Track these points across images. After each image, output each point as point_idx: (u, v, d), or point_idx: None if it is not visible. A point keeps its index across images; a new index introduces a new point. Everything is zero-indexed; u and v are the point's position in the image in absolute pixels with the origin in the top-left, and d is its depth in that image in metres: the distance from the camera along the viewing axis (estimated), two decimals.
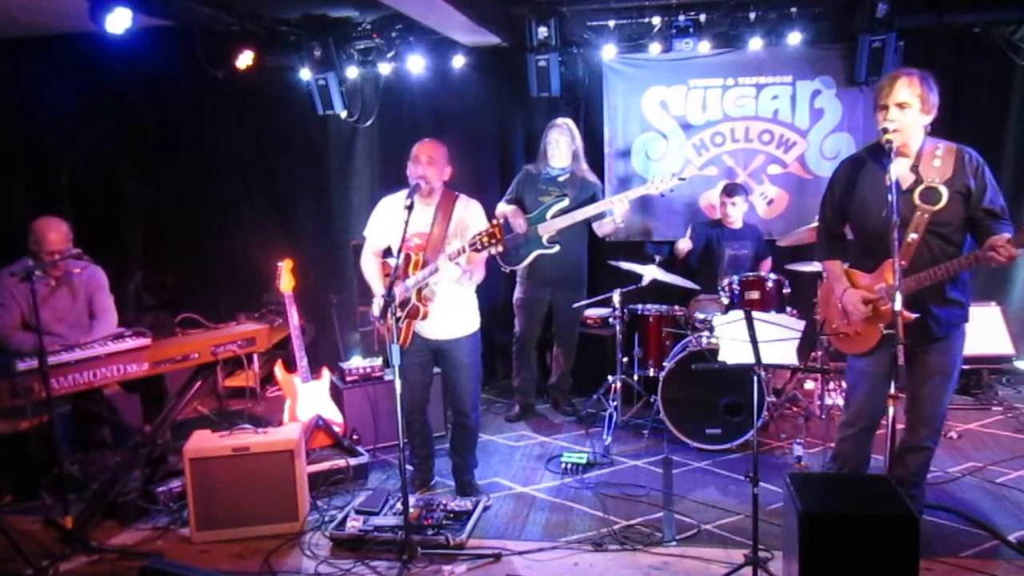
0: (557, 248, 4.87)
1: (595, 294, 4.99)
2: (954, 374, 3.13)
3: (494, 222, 3.44)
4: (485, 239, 3.37)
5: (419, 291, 3.67)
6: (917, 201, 2.94)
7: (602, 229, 4.98)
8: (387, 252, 3.96)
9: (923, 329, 2.99)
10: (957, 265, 2.90)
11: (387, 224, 3.84)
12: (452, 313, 3.81)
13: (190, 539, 3.60)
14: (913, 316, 2.87)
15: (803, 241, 4.81)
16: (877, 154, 3.04)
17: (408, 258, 3.64)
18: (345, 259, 5.79)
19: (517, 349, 5.20)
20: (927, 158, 2.99)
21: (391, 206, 3.86)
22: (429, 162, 3.69)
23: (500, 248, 3.43)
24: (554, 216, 4.87)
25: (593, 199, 4.89)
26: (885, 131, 2.90)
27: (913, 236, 2.96)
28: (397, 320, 3.44)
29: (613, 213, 4.77)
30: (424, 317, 3.71)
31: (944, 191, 2.93)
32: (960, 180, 2.95)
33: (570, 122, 5.01)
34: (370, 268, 3.96)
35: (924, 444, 3.16)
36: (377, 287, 3.90)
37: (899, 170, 2.97)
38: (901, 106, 2.92)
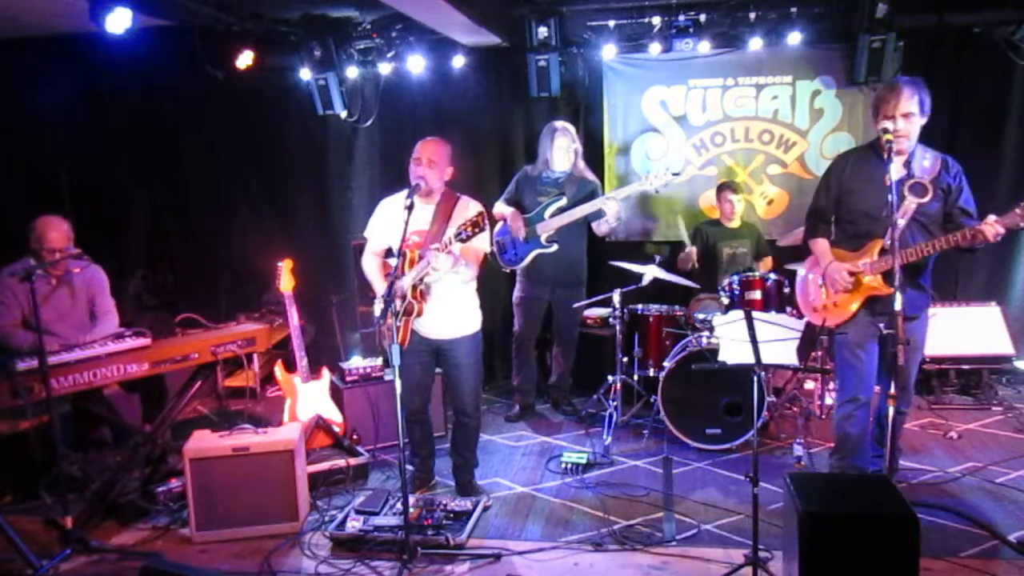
0: (555, 247, 4.87)
1: (595, 294, 4.99)
2: (921, 349, 3.67)
3: (479, 211, 3.49)
4: (469, 228, 3.41)
5: (414, 288, 3.67)
6: (907, 192, 3.38)
7: (599, 228, 4.98)
8: (388, 252, 3.96)
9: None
10: (945, 242, 3.28)
11: (387, 225, 3.84)
12: (453, 313, 3.81)
13: (190, 539, 3.59)
14: (892, 288, 3.18)
15: (803, 241, 4.79)
16: (879, 150, 3.38)
17: (405, 256, 3.65)
18: (345, 259, 5.77)
19: (516, 347, 5.20)
20: (919, 158, 3.46)
21: (391, 207, 3.87)
22: (429, 164, 3.71)
23: (483, 233, 3.44)
24: (552, 215, 4.87)
25: (592, 196, 4.89)
26: (885, 131, 3.26)
27: (901, 222, 3.33)
28: (396, 317, 3.44)
29: (606, 213, 4.78)
30: (419, 314, 3.71)
31: (930, 187, 3.38)
32: (944, 180, 3.44)
33: (568, 124, 5.01)
34: (371, 268, 3.95)
35: (902, 409, 3.56)
36: (379, 286, 3.89)
37: (894, 165, 3.33)
38: (907, 116, 3.32)
